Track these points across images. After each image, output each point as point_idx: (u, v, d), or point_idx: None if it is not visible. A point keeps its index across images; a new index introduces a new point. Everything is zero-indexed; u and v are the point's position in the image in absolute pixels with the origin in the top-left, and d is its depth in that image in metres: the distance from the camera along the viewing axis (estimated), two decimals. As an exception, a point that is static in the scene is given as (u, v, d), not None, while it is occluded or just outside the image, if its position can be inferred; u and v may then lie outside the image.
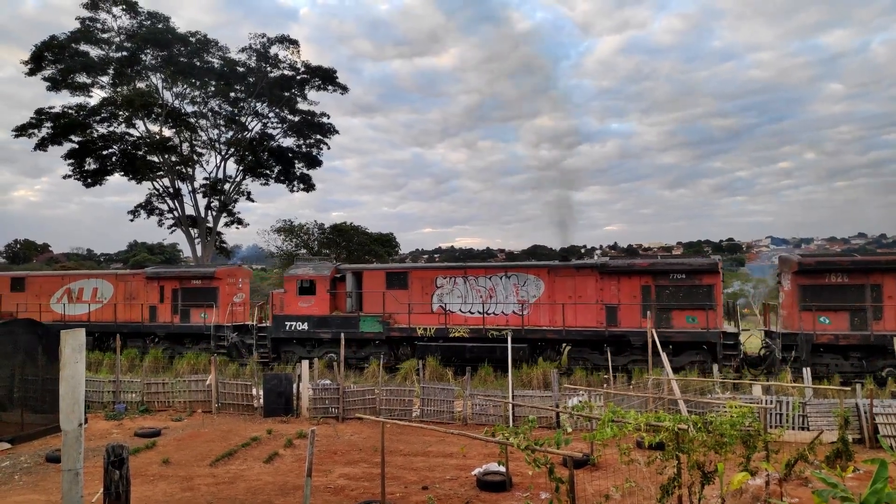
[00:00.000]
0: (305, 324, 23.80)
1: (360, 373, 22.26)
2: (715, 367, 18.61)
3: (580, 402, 14.45)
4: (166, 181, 40.76)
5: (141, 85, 38.75)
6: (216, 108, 40.67)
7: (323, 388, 16.79)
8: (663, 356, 16.30)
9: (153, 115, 38.94)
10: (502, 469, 10.39)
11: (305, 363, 17.27)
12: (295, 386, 16.84)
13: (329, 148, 43.58)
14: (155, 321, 26.51)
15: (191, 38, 38.63)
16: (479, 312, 22.59)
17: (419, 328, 22.49)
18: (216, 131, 41.04)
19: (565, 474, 7.21)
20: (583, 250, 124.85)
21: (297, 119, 41.82)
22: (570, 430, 13.68)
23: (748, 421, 8.51)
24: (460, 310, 22.92)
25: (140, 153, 39.54)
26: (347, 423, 15.83)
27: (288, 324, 24.00)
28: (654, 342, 16.53)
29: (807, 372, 15.62)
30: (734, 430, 7.92)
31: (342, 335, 19.09)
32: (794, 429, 13.30)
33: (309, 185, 44.24)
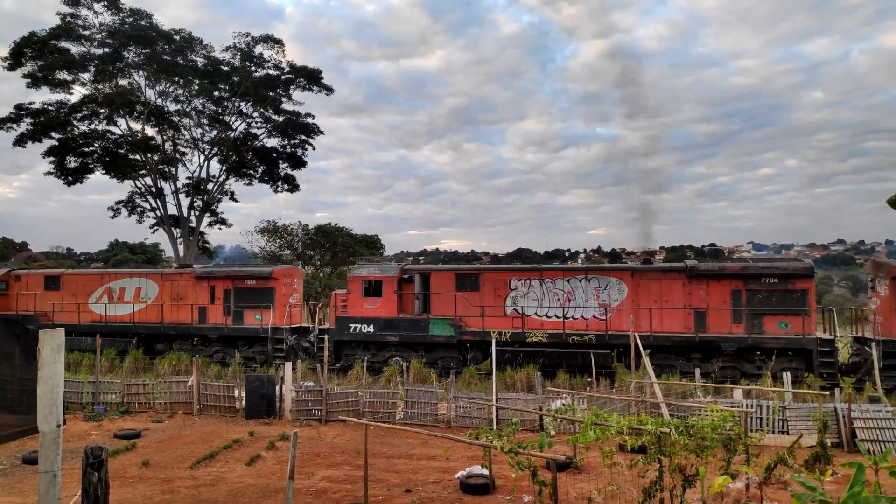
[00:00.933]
0: (371, 326, 22.82)
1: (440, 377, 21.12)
2: (697, 371, 18.73)
3: (564, 405, 14.54)
4: (148, 180, 40.32)
5: (123, 82, 38.31)
6: (200, 107, 40.32)
7: (306, 389, 16.70)
8: (646, 363, 16.42)
9: (135, 113, 38.52)
10: (485, 472, 10.40)
11: (288, 365, 17.16)
12: (278, 388, 16.73)
13: (314, 148, 43.42)
14: (205, 323, 25.28)
15: (175, 36, 38.28)
16: (557, 316, 21.75)
17: (494, 332, 21.39)
18: (200, 130, 40.69)
19: (548, 477, 7.24)
20: (567, 253, 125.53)
21: (281, 119, 41.58)
22: (553, 432, 13.71)
23: (729, 425, 8.59)
24: (536, 313, 22.10)
25: (122, 151, 39.09)
26: (331, 425, 15.75)
27: (352, 326, 23.03)
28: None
29: (787, 376, 15.82)
30: (715, 434, 7.99)
31: (409, 338, 18.84)
32: (774, 433, 13.44)
33: (293, 186, 43.99)
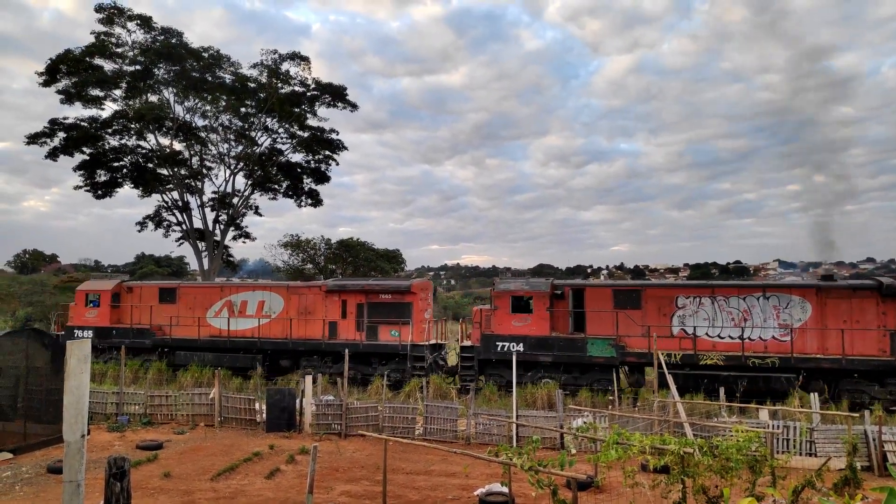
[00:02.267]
0: (521, 345, 21.38)
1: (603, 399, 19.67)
2: (721, 391, 18.39)
3: (585, 423, 14.36)
4: (175, 194, 41.03)
5: (153, 98, 39.18)
6: (226, 123, 41.01)
7: (326, 403, 16.73)
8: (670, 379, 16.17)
9: (164, 129, 39.31)
10: (505, 490, 10.29)
11: (309, 378, 17.23)
12: (298, 401, 16.79)
13: (338, 164, 43.90)
14: (335, 338, 23.97)
15: (203, 54, 39.09)
16: (731, 337, 20.28)
17: (662, 354, 19.88)
18: (226, 145, 41.37)
19: (569, 496, 7.14)
20: (589, 269, 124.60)
21: (306, 135, 42.12)
22: (574, 451, 13.56)
23: (755, 446, 8.41)
24: (707, 334, 20.49)
25: (150, 166, 39.86)
26: (350, 439, 15.74)
27: (499, 344, 21.62)
28: None
29: (814, 397, 15.46)
30: (740, 455, 7.83)
31: (563, 359, 18.49)
32: (801, 455, 13.14)
33: (317, 201, 44.46)
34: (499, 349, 21.64)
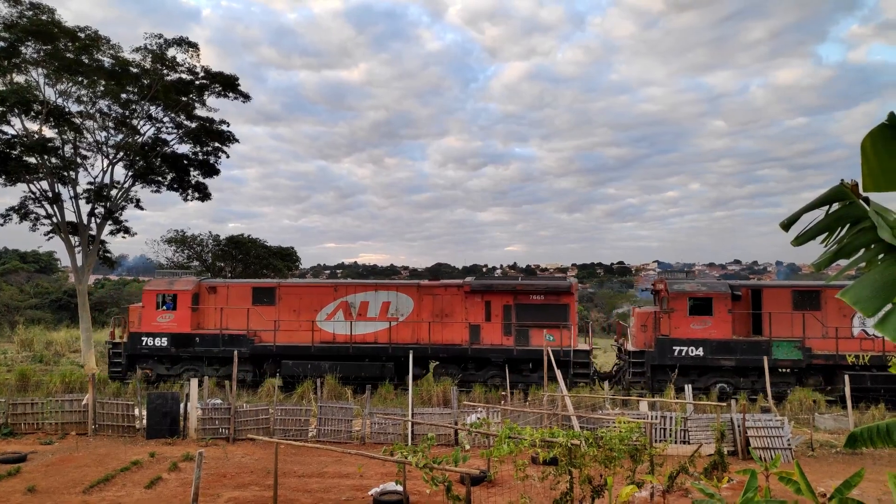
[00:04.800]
0: (700, 349, 20.41)
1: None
2: (606, 384, 19.37)
3: (479, 419, 14.66)
4: (45, 184, 37.72)
5: (19, 79, 35.78)
6: (105, 110, 38.22)
7: (213, 407, 16.00)
8: (558, 373, 16.84)
9: (32, 113, 36.03)
10: (400, 488, 10.28)
11: (194, 381, 16.40)
12: (182, 405, 15.94)
13: (228, 156, 42.10)
14: (478, 343, 21.94)
15: (79, 34, 36.21)
16: None
17: (848, 356, 19.28)
18: (104, 133, 38.52)
19: (462, 492, 7.24)
20: (484, 269, 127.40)
21: (194, 125, 40.05)
22: (468, 447, 13.81)
23: (636, 436, 8.93)
24: None
25: (15, 153, 36.37)
26: (239, 444, 15.15)
27: (676, 348, 20.54)
28: None
29: (688, 388, 16.64)
30: (623, 445, 8.28)
31: (746, 363, 17.73)
32: (676, 443, 14.09)
33: (204, 195, 42.33)
34: (675, 353, 20.60)
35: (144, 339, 22.79)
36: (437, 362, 22.45)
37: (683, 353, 20.55)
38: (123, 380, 22.35)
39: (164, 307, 23.28)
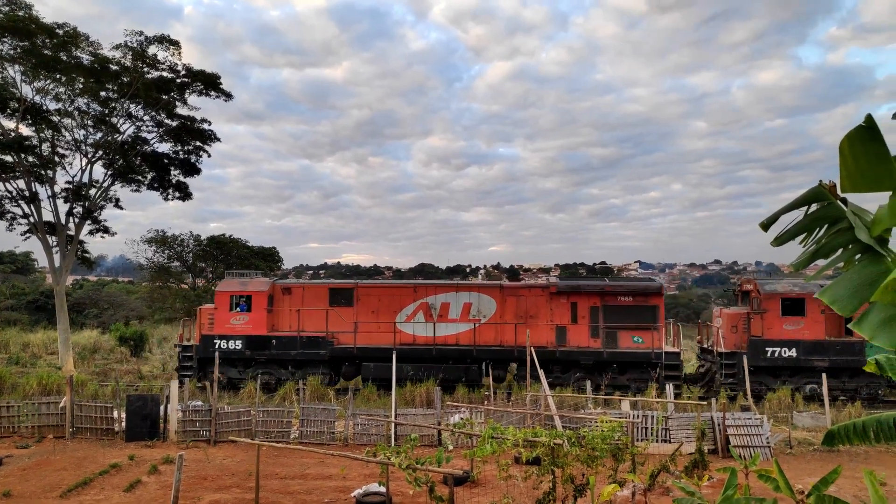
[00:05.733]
0: (793, 349, 20.21)
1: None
2: (588, 383, 19.46)
3: (462, 419, 14.66)
4: (21, 183, 37.09)
5: (-5, 76, 35.13)
6: (84, 107, 37.68)
7: (194, 409, 15.83)
8: (541, 373, 16.88)
9: (9, 111, 35.42)
10: (382, 489, 10.25)
11: (174, 382, 16.22)
12: (162, 407, 15.75)
13: (209, 155, 41.72)
14: (564, 345, 21.45)
15: (57, 30, 35.68)
16: None
17: None
18: (83, 132, 37.97)
19: (446, 492, 7.23)
20: (468, 269, 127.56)
21: (175, 124, 39.63)
22: (451, 447, 13.80)
23: (618, 435, 8.97)
24: None
25: (-9, 151, 35.71)
26: (220, 446, 15.00)
27: (769, 349, 20.27)
28: None
29: (669, 387, 16.78)
30: (605, 444, 8.32)
31: (840, 363, 17.60)
32: (658, 441, 14.20)
33: (185, 194, 41.88)
34: (769, 354, 20.44)
35: (217, 341, 22.06)
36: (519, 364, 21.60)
37: (776, 354, 20.48)
38: (199, 382, 21.66)
39: (238, 308, 22.59)
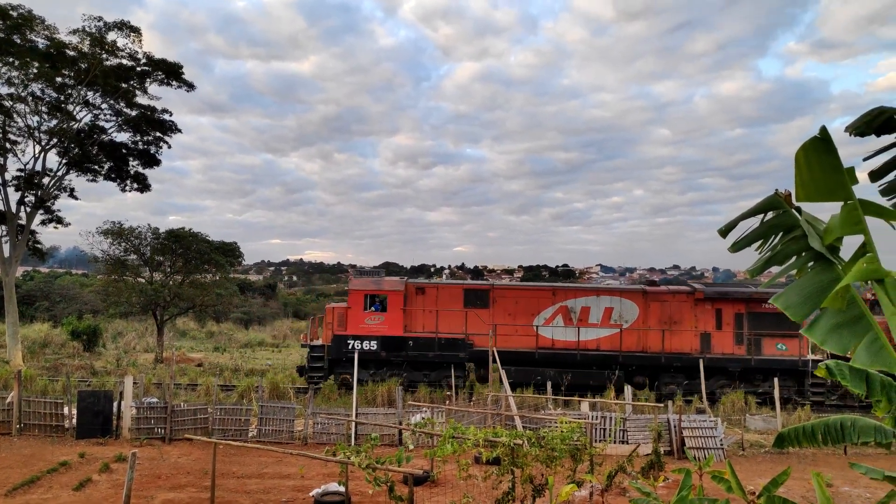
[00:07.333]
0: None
1: None
2: (549, 384, 19.66)
3: (423, 419, 14.65)
4: (-31, 170, 35.65)
5: (-57, 58, 33.71)
6: (38, 93, 36.45)
7: (148, 406, 15.45)
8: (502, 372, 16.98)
9: (-43, 94, 34.00)
10: (341, 489, 10.17)
11: (129, 378, 15.81)
12: (115, 404, 15.34)
13: (170, 147, 40.80)
14: (708, 351, 21.07)
15: (11, 12, 34.41)
16: None
17: None
18: (36, 118, 36.72)
19: (405, 492, 7.21)
20: (432, 269, 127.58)
21: (134, 113, 38.60)
22: (412, 447, 13.77)
23: (576, 436, 9.09)
24: None
25: (-63, 135, 34.26)
26: (175, 444, 14.68)
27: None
28: None
29: (628, 389, 17.07)
30: (564, 445, 8.41)
31: None
32: (616, 442, 14.43)
33: (144, 185, 40.83)
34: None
35: (351, 342, 21.47)
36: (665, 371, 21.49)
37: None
38: (336, 382, 21.02)
39: (373, 308, 22.00)
